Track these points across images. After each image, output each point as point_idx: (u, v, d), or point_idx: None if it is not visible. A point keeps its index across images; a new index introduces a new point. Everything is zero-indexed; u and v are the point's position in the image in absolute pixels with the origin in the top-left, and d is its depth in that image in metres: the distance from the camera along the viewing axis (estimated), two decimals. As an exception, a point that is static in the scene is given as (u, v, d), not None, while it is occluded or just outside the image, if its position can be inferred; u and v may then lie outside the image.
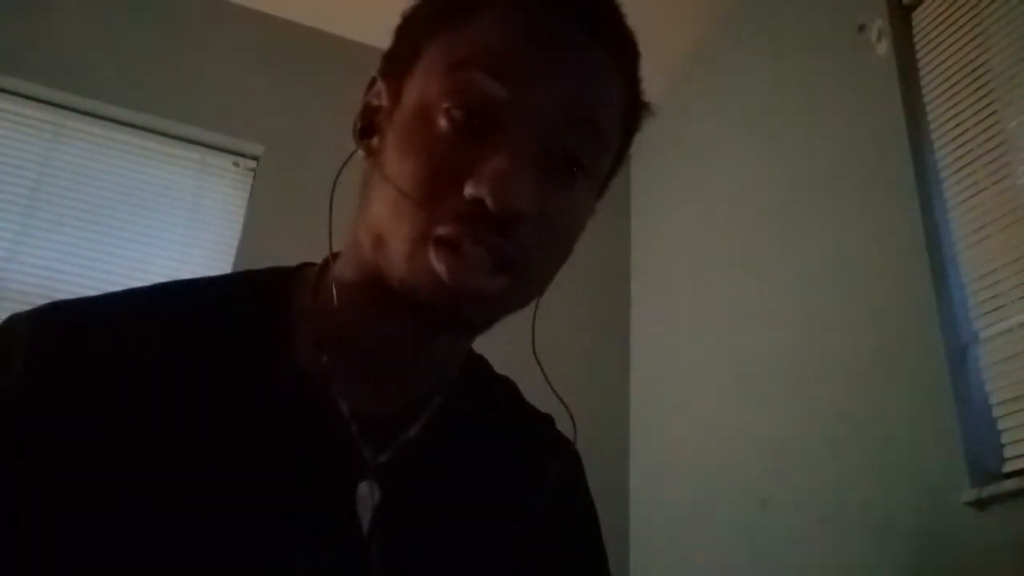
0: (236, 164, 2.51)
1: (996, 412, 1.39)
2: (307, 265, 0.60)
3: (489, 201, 0.46)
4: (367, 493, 0.50)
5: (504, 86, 0.49)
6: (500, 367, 0.68)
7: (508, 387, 0.67)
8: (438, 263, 0.47)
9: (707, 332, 2.25)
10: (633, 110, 0.57)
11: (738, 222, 2.21)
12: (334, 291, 0.54)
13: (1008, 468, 1.34)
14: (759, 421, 1.92)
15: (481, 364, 0.66)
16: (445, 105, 0.49)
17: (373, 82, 0.57)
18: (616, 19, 0.54)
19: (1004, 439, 1.37)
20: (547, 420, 0.67)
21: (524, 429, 0.64)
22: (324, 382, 0.53)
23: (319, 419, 0.52)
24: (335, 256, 0.57)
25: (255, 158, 2.51)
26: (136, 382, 0.47)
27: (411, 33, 0.55)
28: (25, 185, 2.26)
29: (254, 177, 2.50)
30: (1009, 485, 1.28)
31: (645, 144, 2.91)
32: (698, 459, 2.13)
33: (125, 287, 0.55)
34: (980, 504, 1.31)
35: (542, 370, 0.61)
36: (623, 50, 0.54)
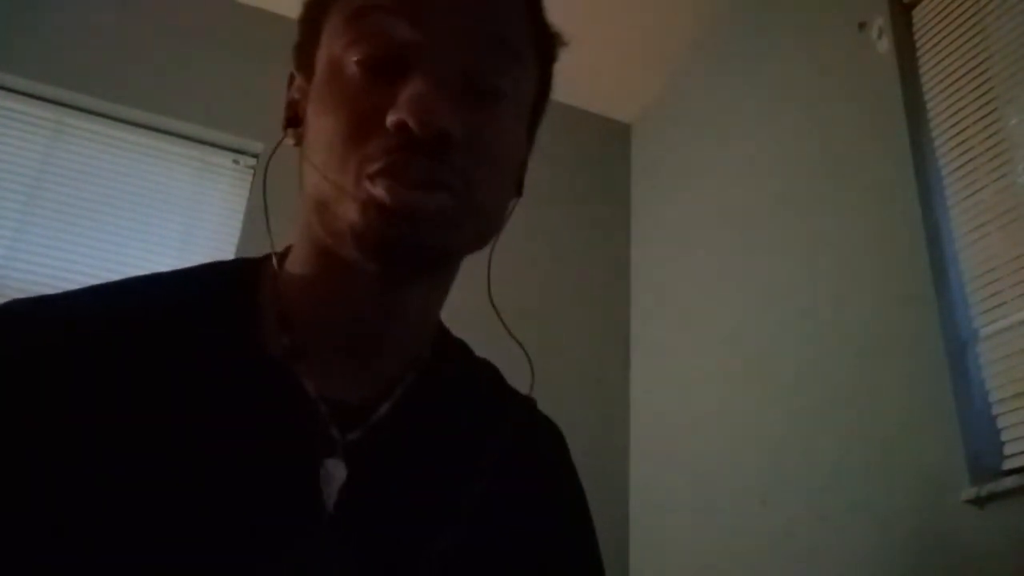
0: (236, 162, 2.51)
1: (996, 409, 1.39)
2: (273, 255, 0.60)
3: (411, 122, 0.46)
4: (333, 470, 0.50)
5: (407, 22, 0.49)
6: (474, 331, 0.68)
7: (488, 369, 0.67)
8: (378, 190, 0.47)
9: (706, 331, 2.25)
10: (544, 36, 0.58)
11: (738, 220, 2.21)
12: (278, 267, 0.56)
13: (1008, 465, 1.34)
14: (759, 419, 1.92)
15: (459, 346, 0.66)
16: (353, 57, 0.50)
17: (292, 79, 0.59)
18: None
19: (1004, 436, 1.37)
20: (528, 402, 0.66)
21: (502, 408, 0.63)
22: (289, 364, 0.53)
23: (284, 400, 0.52)
24: (288, 250, 0.59)
25: (255, 156, 2.51)
26: (99, 374, 0.47)
27: (310, 17, 0.56)
28: (25, 183, 2.25)
29: (254, 175, 2.50)
30: (1009, 482, 1.28)
31: (645, 142, 2.93)
32: (698, 458, 2.13)
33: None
34: (980, 502, 1.31)
35: (498, 315, 0.61)
36: None
